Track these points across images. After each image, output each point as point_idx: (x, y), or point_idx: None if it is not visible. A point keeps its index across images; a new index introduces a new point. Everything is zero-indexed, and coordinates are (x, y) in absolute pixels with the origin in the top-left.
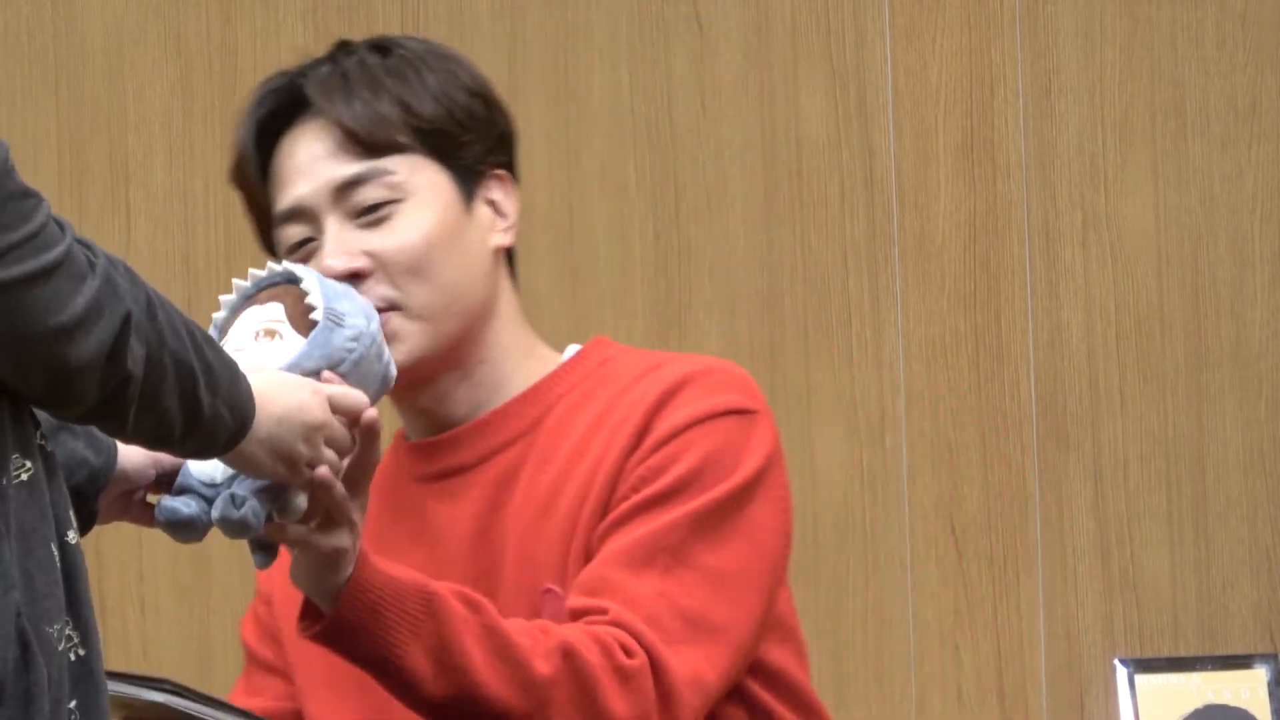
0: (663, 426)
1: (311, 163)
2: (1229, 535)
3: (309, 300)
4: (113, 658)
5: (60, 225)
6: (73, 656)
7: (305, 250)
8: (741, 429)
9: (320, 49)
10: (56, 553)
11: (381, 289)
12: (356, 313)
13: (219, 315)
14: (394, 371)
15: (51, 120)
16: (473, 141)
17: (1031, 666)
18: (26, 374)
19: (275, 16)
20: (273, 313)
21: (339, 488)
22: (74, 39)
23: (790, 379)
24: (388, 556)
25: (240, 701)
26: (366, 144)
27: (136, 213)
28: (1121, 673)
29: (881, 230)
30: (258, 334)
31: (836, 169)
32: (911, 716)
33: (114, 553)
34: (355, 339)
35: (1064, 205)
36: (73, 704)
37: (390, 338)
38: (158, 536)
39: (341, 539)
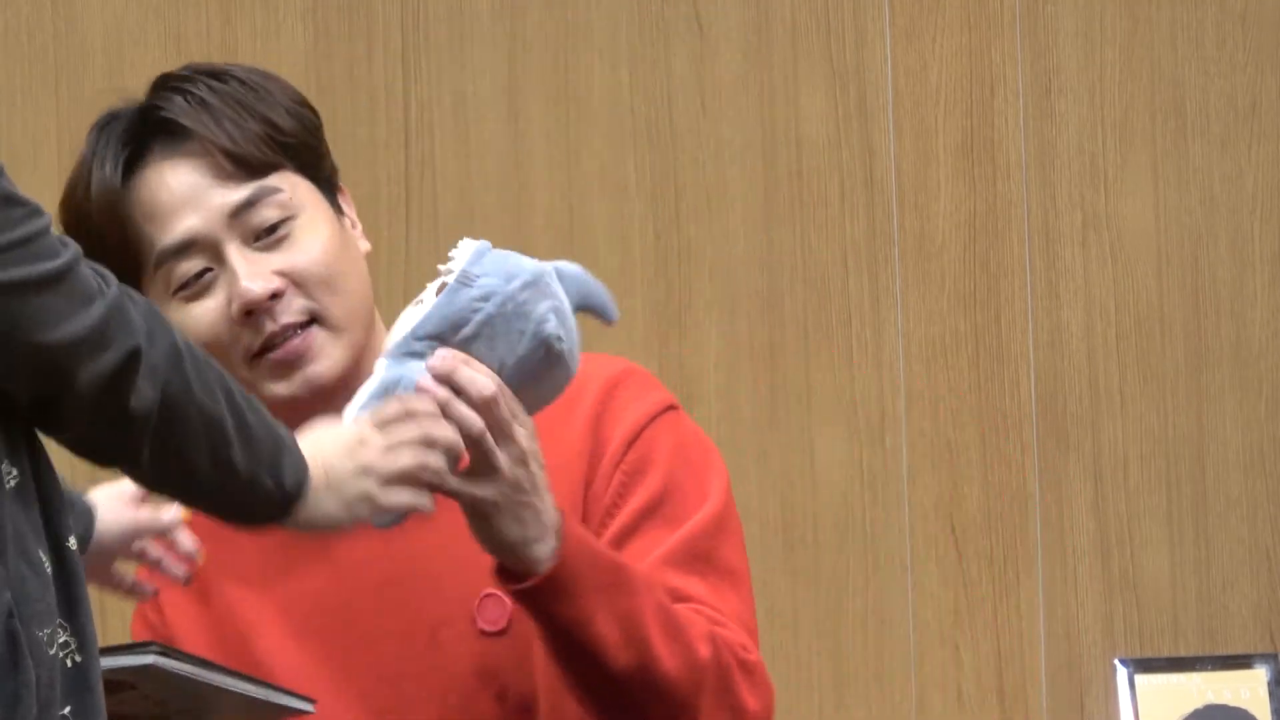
0: (616, 433)
1: (196, 192)
2: (1229, 535)
3: (449, 265)
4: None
5: (64, 243)
6: (69, 663)
7: (203, 282)
8: (685, 422)
9: (320, 49)
10: (49, 559)
11: (300, 302)
12: (496, 273)
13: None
14: (552, 330)
15: (51, 120)
16: (324, 154)
17: (1031, 666)
18: (15, 382)
19: (275, 16)
20: (439, 273)
21: (447, 482)
22: (74, 39)
23: (790, 379)
24: (289, 573)
25: None
26: (247, 166)
27: None
28: (1121, 673)
29: (881, 230)
30: (415, 301)
31: (836, 169)
32: (911, 716)
33: None
34: (484, 298)
35: (1064, 205)
36: (66, 710)
37: (315, 353)
38: None
39: (486, 489)
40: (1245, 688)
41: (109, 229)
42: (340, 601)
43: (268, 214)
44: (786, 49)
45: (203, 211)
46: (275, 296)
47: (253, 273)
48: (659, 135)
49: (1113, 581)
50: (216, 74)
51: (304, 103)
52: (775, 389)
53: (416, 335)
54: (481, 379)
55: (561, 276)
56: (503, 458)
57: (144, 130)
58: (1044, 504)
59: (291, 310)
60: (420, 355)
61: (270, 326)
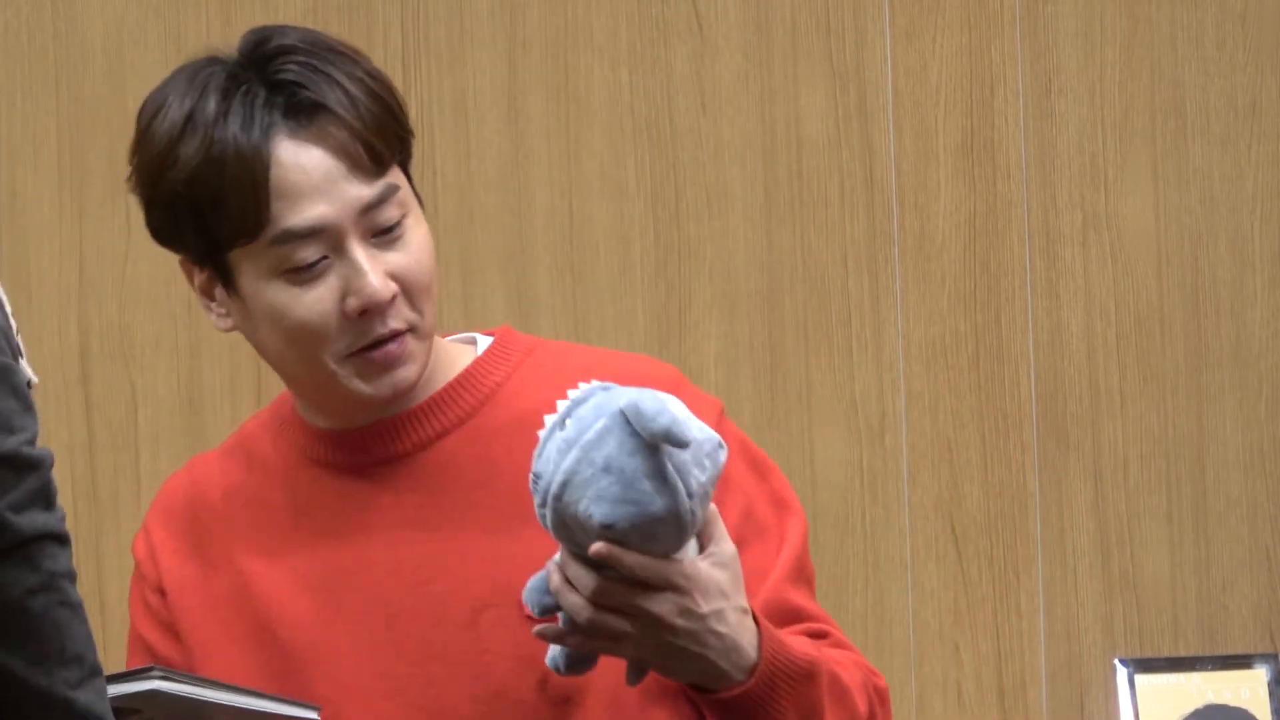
0: None
1: (331, 180)
2: (1229, 535)
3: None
4: (113, 658)
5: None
6: None
7: (317, 270)
8: (735, 427)
9: None
10: None
11: (405, 310)
12: (546, 473)
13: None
14: (599, 521)
15: (51, 120)
16: (410, 144)
17: (1031, 666)
18: None
19: (275, 16)
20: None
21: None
22: (74, 39)
23: (790, 379)
24: (289, 550)
25: None
26: (379, 160)
27: (136, 213)
28: (1121, 673)
29: (881, 230)
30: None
31: (836, 169)
32: (911, 716)
33: (114, 553)
34: (542, 505)
35: (1064, 205)
36: None
37: (406, 359)
38: None
39: (623, 650)
40: (1245, 688)
41: (236, 196)
42: (372, 578)
43: (391, 213)
44: (786, 49)
45: (336, 202)
46: (389, 302)
47: (377, 274)
48: (659, 135)
49: (1113, 581)
50: (334, 51)
51: (395, 90)
52: (775, 389)
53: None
54: (582, 579)
55: (631, 419)
56: (638, 626)
57: (274, 99)
58: (1044, 504)
59: (399, 317)
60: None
61: (380, 329)
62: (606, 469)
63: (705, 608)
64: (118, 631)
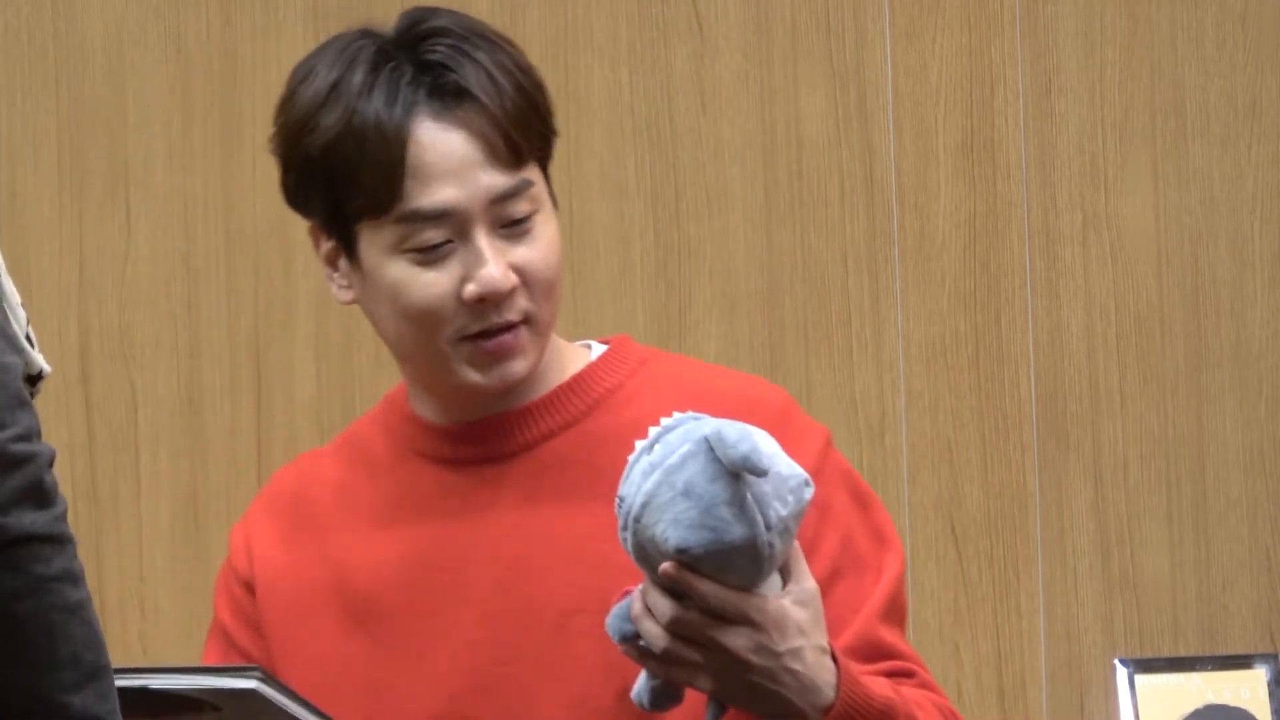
0: (802, 460)
1: (467, 166)
2: (1229, 535)
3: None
4: (113, 658)
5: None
6: None
7: (440, 252)
8: (838, 452)
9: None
10: None
11: (521, 304)
12: (628, 496)
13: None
14: (674, 545)
15: (51, 120)
16: (553, 141)
17: (1031, 666)
18: None
19: (275, 16)
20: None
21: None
22: (74, 39)
23: (790, 379)
24: (386, 543)
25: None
26: (517, 152)
27: (136, 213)
28: (1121, 673)
29: (881, 230)
30: None
31: (836, 169)
32: None
33: (114, 553)
34: (624, 528)
35: (1064, 205)
36: None
37: (518, 351)
38: (157, 537)
39: (698, 682)
40: (1245, 688)
41: (371, 168)
42: (466, 575)
43: (521, 207)
44: (786, 49)
45: (468, 189)
46: (508, 293)
47: (498, 264)
48: (659, 135)
49: (1113, 581)
50: (488, 40)
51: (545, 88)
52: None
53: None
54: (660, 606)
55: (714, 446)
56: (714, 659)
57: (420, 78)
58: (1044, 504)
59: (515, 309)
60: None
61: (494, 318)
62: (686, 493)
63: (782, 646)
64: (118, 632)
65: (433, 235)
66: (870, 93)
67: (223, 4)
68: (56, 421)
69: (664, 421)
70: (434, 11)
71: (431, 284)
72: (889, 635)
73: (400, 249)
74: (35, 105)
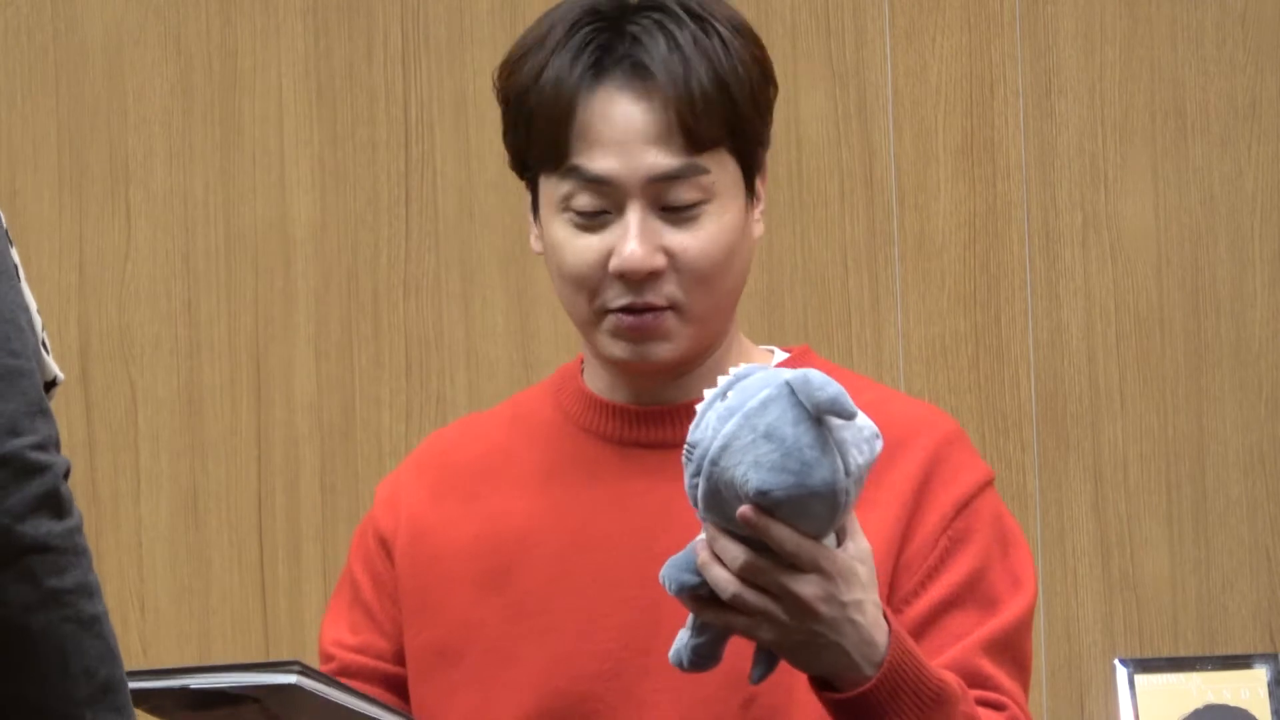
0: (947, 496)
1: (632, 141)
2: (1229, 535)
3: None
4: None
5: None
6: None
7: (597, 220)
8: (999, 498)
9: (320, 49)
10: None
11: (669, 289)
12: (704, 441)
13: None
14: (755, 489)
15: (51, 120)
16: (765, 135)
17: (1032, 666)
18: None
19: (275, 16)
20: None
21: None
22: (74, 39)
23: None
24: (582, 516)
25: (343, 633)
26: (692, 138)
27: (136, 213)
28: (1121, 673)
29: (881, 230)
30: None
31: (836, 169)
32: None
33: (114, 553)
34: (696, 475)
35: (1064, 205)
36: None
37: (663, 335)
38: (157, 537)
39: (762, 632)
40: (1245, 688)
41: (544, 122)
42: (605, 559)
43: (685, 193)
44: (786, 49)
45: (629, 163)
46: (653, 274)
47: (644, 242)
48: None
49: (1113, 581)
50: (703, 21)
51: (771, 78)
52: None
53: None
54: (730, 551)
55: (796, 391)
56: (780, 609)
57: (614, 46)
58: (1044, 504)
59: (660, 293)
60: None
61: (634, 297)
62: (768, 436)
63: (847, 596)
64: (118, 633)
65: (590, 201)
66: (870, 93)
67: (223, 4)
68: (57, 421)
69: (733, 370)
70: None
71: (584, 249)
72: (989, 667)
73: (564, 207)
74: (35, 105)
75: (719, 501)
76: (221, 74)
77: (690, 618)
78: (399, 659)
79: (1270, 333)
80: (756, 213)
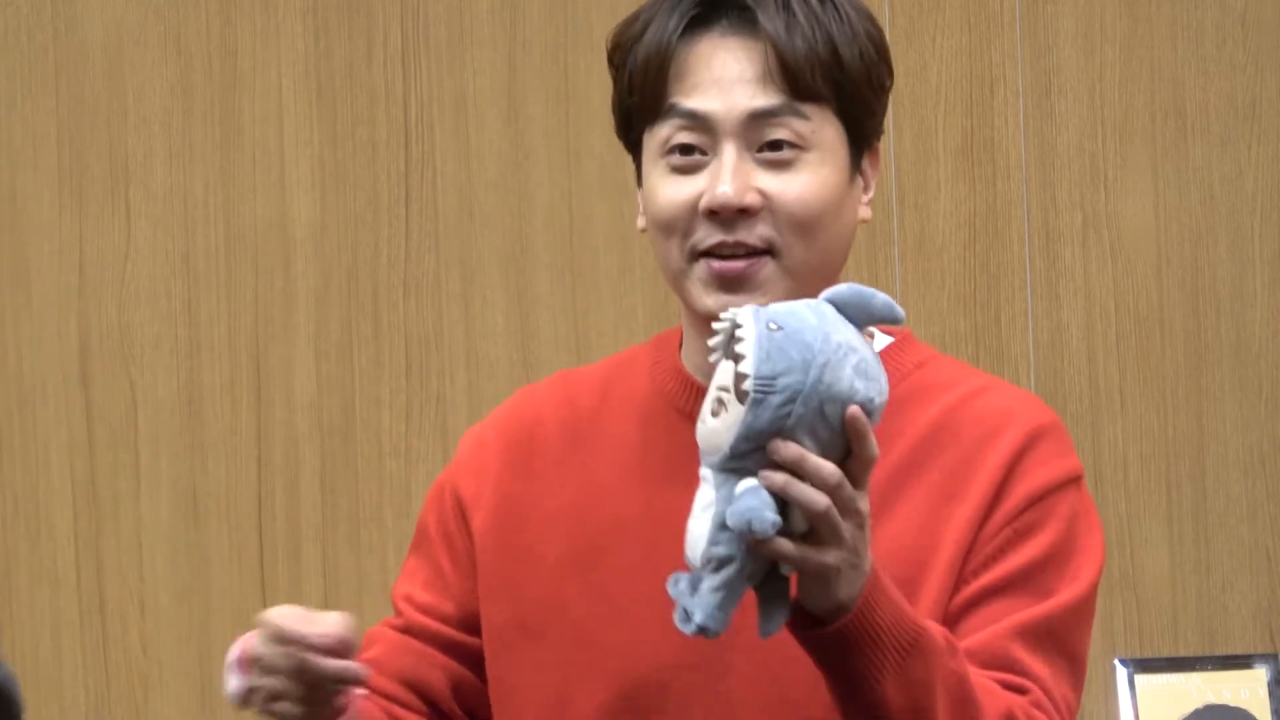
0: (1021, 489)
1: (732, 82)
2: (1229, 535)
3: (740, 367)
4: (113, 658)
5: None
6: None
7: (692, 160)
8: (1085, 497)
9: (320, 49)
10: None
11: (763, 229)
12: (792, 366)
13: (713, 356)
14: (863, 397)
15: (51, 120)
16: (876, 111)
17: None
18: None
19: (275, 16)
20: (722, 377)
21: (792, 553)
22: (74, 39)
23: None
24: (634, 493)
25: (415, 587)
26: (793, 83)
27: (136, 213)
28: (1121, 673)
29: (881, 230)
30: (714, 405)
31: None
32: None
33: (114, 553)
34: (790, 401)
35: (1064, 205)
36: None
37: (759, 283)
38: (157, 537)
39: (830, 556)
40: (1245, 688)
41: (644, 79)
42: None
43: (780, 133)
44: None
45: (727, 101)
46: (747, 211)
47: (737, 178)
48: None
49: (1113, 581)
50: None
51: (885, 58)
52: None
53: (736, 453)
54: (826, 468)
55: (842, 306)
56: (847, 528)
57: (722, 2)
58: None
59: (755, 233)
60: (746, 471)
61: (726, 235)
62: (852, 348)
63: (865, 532)
64: (118, 633)
65: (682, 136)
66: None
67: (223, 4)
68: (56, 422)
69: (735, 313)
70: None
71: (678, 191)
72: (1019, 651)
73: (662, 152)
74: (35, 105)
75: (812, 422)
76: (221, 74)
77: (711, 579)
78: (464, 625)
79: (1270, 333)
80: (865, 196)
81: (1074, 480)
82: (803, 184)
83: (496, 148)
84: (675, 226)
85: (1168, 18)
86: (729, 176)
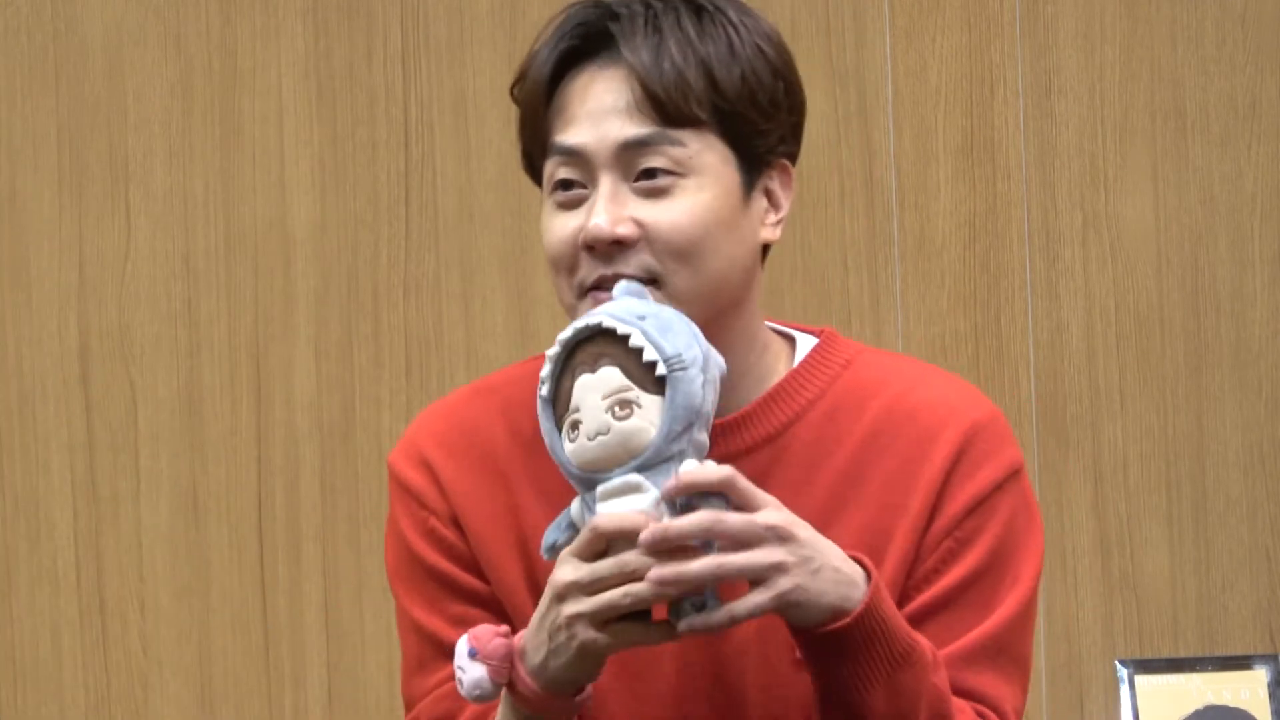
0: (961, 495)
1: (603, 113)
2: (1229, 535)
3: (646, 356)
4: (113, 658)
5: None
6: None
7: (573, 194)
8: (1025, 488)
9: (320, 49)
10: None
11: (643, 259)
12: (686, 340)
13: (545, 387)
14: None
15: (51, 120)
16: (769, 131)
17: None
18: None
19: (275, 16)
20: (613, 380)
21: (742, 609)
22: (74, 39)
23: None
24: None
25: (444, 624)
26: (663, 111)
27: (136, 213)
28: (1121, 673)
29: (881, 230)
30: (613, 411)
31: (836, 169)
32: None
33: (114, 553)
34: (702, 370)
35: (1064, 205)
36: None
37: None
38: (157, 537)
39: (784, 582)
40: (1245, 688)
41: (529, 117)
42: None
43: (655, 161)
44: None
45: (598, 134)
46: (622, 243)
47: (612, 210)
48: None
49: (1113, 582)
50: (700, 7)
51: (783, 74)
52: None
53: (670, 438)
54: (689, 522)
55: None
56: (769, 553)
57: (596, 31)
58: (1044, 504)
59: (632, 264)
60: (680, 455)
61: (604, 269)
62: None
63: (807, 530)
64: (118, 633)
65: (562, 172)
66: (870, 93)
67: (223, 4)
68: (56, 422)
69: (586, 321)
70: None
71: (562, 227)
72: (972, 679)
73: (550, 190)
74: (35, 105)
75: (712, 393)
76: (221, 74)
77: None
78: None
79: (1270, 333)
80: (770, 217)
81: (1013, 475)
82: (680, 211)
83: (496, 148)
84: (562, 263)
85: (1168, 18)
86: (602, 209)
